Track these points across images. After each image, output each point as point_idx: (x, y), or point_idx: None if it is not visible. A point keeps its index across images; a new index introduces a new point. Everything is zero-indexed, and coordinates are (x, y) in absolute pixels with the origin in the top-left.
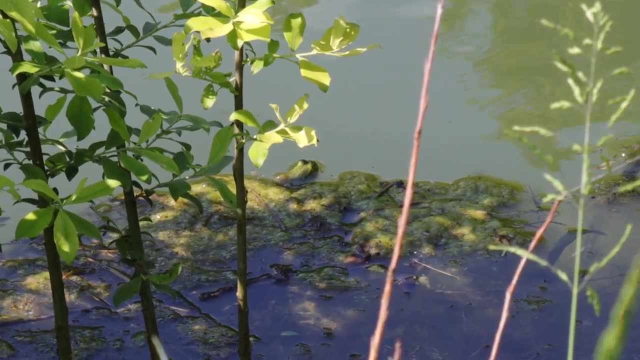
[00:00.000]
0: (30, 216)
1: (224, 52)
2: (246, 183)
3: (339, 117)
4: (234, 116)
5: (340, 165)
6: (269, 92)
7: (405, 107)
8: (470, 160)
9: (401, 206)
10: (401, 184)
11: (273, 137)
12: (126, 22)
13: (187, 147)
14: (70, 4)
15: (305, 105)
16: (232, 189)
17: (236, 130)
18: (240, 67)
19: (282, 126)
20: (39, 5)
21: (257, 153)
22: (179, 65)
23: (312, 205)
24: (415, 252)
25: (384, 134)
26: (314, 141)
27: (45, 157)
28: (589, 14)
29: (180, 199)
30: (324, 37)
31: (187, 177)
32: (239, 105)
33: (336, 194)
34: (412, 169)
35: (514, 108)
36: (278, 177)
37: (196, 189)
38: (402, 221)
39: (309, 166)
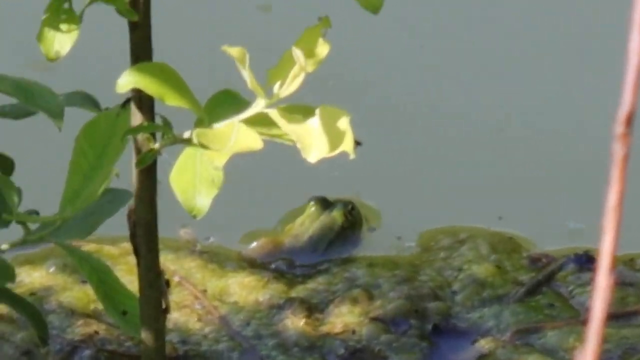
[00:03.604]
0: None
1: None
2: (168, 260)
3: (411, 90)
4: (127, 81)
5: (421, 214)
6: (222, 20)
7: (574, 79)
8: None
9: (584, 321)
10: (587, 261)
11: (236, 134)
12: None
13: (6, 163)
14: None
15: (324, 50)
16: (128, 276)
17: (137, 118)
18: None
19: (260, 106)
20: None
21: (192, 179)
22: None
23: (346, 319)
24: None
25: (529, 134)
26: (349, 147)
27: None
28: None
29: None
30: None
31: (4, 247)
32: (142, 52)
33: (413, 289)
34: (612, 217)
35: None
36: (255, 243)
37: (32, 277)
38: None
39: (337, 215)
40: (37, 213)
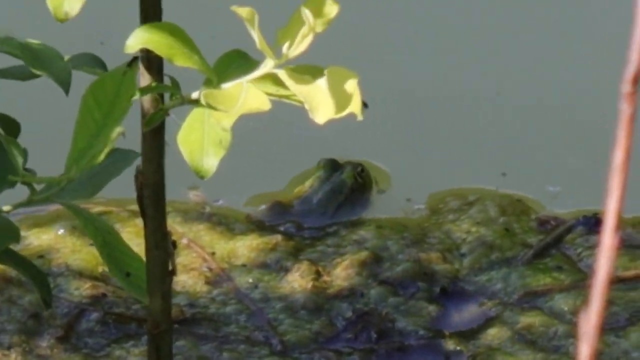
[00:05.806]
0: None
1: None
2: (177, 222)
3: (420, 55)
4: (137, 41)
5: (431, 176)
6: None
7: (580, 39)
8: None
9: (591, 284)
10: (596, 223)
11: (245, 95)
12: None
13: (12, 126)
14: None
15: (333, 9)
16: (136, 239)
17: (146, 79)
18: None
19: (269, 66)
20: None
21: (200, 140)
22: None
23: (354, 281)
24: None
25: (535, 96)
26: (356, 108)
27: None
28: None
29: None
30: None
31: (6, 208)
32: (151, 12)
33: (421, 251)
34: (617, 176)
35: None
36: (264, 206)
37: (41, 240)
38: (591, 324)
39: (347, 177)
40: (34, 173)
